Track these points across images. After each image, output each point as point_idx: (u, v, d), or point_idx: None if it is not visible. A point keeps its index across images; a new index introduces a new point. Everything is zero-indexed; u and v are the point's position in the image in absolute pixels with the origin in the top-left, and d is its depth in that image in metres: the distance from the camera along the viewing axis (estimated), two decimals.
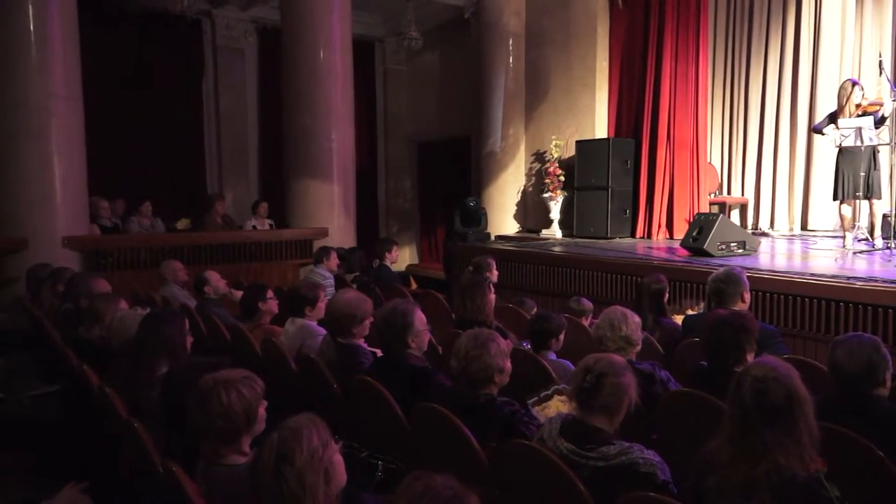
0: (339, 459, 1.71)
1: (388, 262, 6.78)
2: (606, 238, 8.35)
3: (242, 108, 10.61)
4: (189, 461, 2.06)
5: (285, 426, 1.69)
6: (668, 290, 4.39)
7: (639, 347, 3.13)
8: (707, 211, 7.95)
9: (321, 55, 8.27)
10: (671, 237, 8.40)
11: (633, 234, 8.68)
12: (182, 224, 8.82)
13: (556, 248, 7.59)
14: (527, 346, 3.71)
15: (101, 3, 8.70)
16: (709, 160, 8.51)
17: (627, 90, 8.86)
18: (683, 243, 6.60)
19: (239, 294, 5.38)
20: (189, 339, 3.17)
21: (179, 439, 2.33)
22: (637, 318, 3.13)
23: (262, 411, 2.09)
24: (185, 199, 9.72)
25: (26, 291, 5.77)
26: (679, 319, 4.37)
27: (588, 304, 4.90)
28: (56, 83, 6.60)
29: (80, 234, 6.99)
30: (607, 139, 8.60)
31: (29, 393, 3.91)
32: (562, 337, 3.66)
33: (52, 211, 6.69)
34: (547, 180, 9.08)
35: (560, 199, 9.04)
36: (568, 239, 8.73)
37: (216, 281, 5.25)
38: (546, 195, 9.12)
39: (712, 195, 8.47)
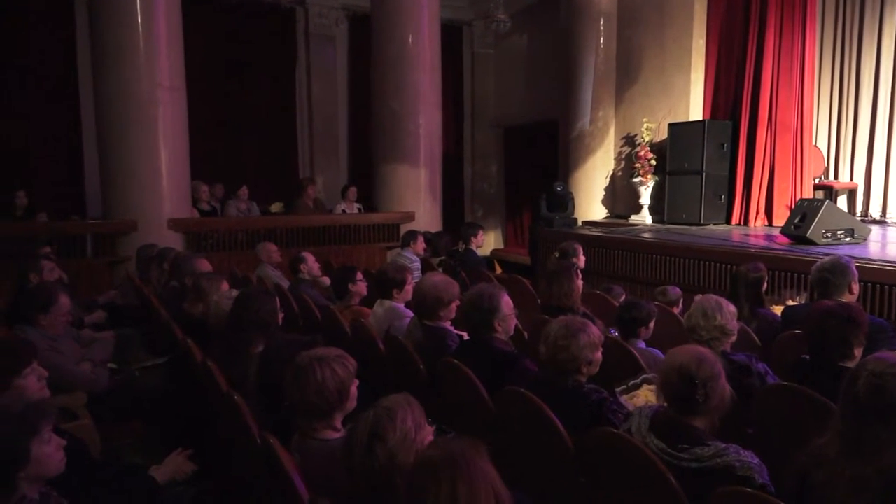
0: (430, 441, 1.74)
1: (473, 247, 6.81)
2: (699, 224, 8.04)
3: (333, 95, 10.85)
4: (283, 434, 2.15)
5: (381, 405, 1.72)
6: (766, 279, 4.20)
7: (734, 338, 3.01)
8: (811, 196, 7.54)
9: (409, 41, 8.33)
10: (770, 224, 8.00)
11: (728, 221, 8.32)
12: (276, 207, 9.16)
13: (646, 235, 7.38)
14: (614, 333, 3.64)
15: None
16: (814, 142, 8.03)
17: (725, 70, 8.45)
18: (784, 230, 6.29)
19: (327, 280, 5.56)
20: (280, 316, 3.31)
21: (275, 413, 2.43)
22: (732, 308, 3.00)
23: (353, 389, 2.16)
24: (278, 183, 10.06)
25: (136, 270, 6.16)
26: (778, 310, 4.17)
27: (677, 293, 4.75)
28: (161, 74, 6.96)
29: (183, 217, 7.38)
30: (702, 121, 8.26)
31: (138, 365, 4.17)
32: (651, 325, 3.58)
33: (158, 195, 7.09)
34: (637, 164, 8.83)
35: (651, 183, 8.77)
36: (658, 225, 8.47)
37: (312, 262, 5.43)
38: (636, 180, 8.87)
39: (817, 180, 8.00)
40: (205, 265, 4.82)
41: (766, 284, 4.22)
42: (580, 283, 4.03)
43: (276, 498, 2.01)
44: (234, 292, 3.61)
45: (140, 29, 6.79)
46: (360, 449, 1.68)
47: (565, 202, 8.75)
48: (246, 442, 2.28)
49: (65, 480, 1.96)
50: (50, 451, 1.86)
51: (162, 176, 7.07)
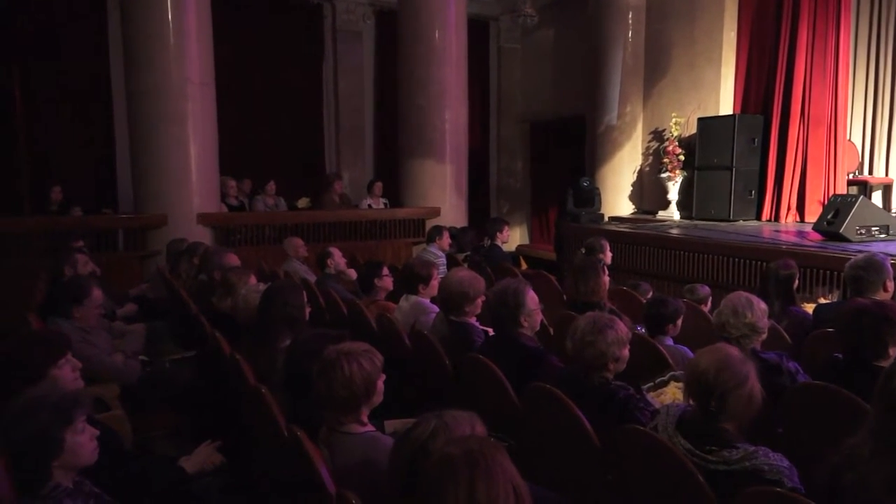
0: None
1: (499, 242, 6.80)
2: (729, 220, 7.93)
3: (360, 90, 10.89)
4: (310, 428, 2.16)
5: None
6: (798, 276, 4.12)
7: (764, 336, 2.97)
8: (844, 192, 7.38)
9: (436, 36, 8.33)
10: (802, 220, 7.86)
11: (758, 217, 8.19)
12: (302, 202, 9.23)
13: (674, 231, 7.30)
14: (641, 330, 3.61)
15: None
16: (848, 137, 7.86)
17: (757, 63, 8.31)
18: (816, 227, 6.18)
19: (353, 273, 5.59)
20: (307, 310, 3.33)
21: (302, 407, 2.45)
22: (763, 305, 2.96)
23: (380, 384, 2.17)
24: (305, 178, 10.13)
25: (166, 263, 6.26)
26: (810, 308, 4.10)
27: (706, 291, 4.69)
28: (191, 69, 7.04)
29: (211, 212, 7.47)
30: (733, 116, 8.13)
31: (168, 357, 4.24)
32: (679, 322, 3.54)
33: (188, 190, 7.19)
34: (665, 160, 8.72)
35: (679, 179, 8.67)
36: (686, 221, 8.37)
37: (339, 257, 5.47)
38: (664, 175, 8.77)
39: (851, 175, 7.83)
40: (233, 259, 4.87)
41: (797, 282, 4.14)
42: (607, 279, 4.00)
43: (303, 490, 2.03)
44: (262, 286, 3.65)
45: (170, 25, 6.88)
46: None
47: (592, 198, 8.68)
48: (273, 435, 2.31)
49: (98, 470, 2.00)
50: (83, 441, 1.90)
51: (191, 171, 7.17)
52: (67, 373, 2.46)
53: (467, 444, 1.46)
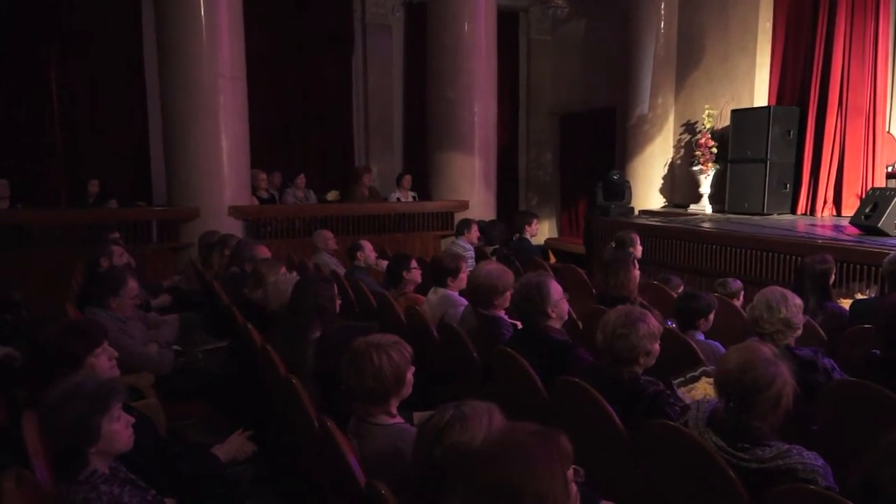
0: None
1: (527, 235, 6.77)
2: (762, 214, 7.78)
3: (389, 84, 10.90)
4: (340, 418, 2.19)
5: (462, 406, 1.70)
6: (834, 271, 4.04)
7: (799, 332, 2.91)
8: (883, 185, 7.20)
9: (466, 28, 8.30)
10: (838, 214, 7.68)
11: (793, 211, 8.03)
12: (332, 195, 9.29)
13: (706, 224, 7.19)
14: (671, 324, 3.57)
15: None
16: (887, 129, 7.65)
17: (793, 53, 8.13)
18: (853, 221, 6.05)
19: (384, 264, 5.62)
20: (338, 302, 3.36)
21: (332, 397, 2.48)
22: (798, 301, 2.90)
23: (409, 376, 2.18)
24: (334, 171, 10.19)
25: (198, 255, 6.35)
26: (846, 304, 4.01)
27: (738, 285, 4.62)
28: (223, 64, 7.12)
29: (242, 204, 7.56)
30: (767, 107, 7.97)
31: (201, 347, 4.31)
32: (711, 317, 3.49)
33: (219, 183, 7.28)
34: (697, 152, 8.59)
35: (711, 172, 8.53)
36: (719, 215, 8.24)
37: (369, 250, 5.50)
38: (696, 168, 8.64)
39: (890, 168, 7.63)
40: (264, 252, 4.93)
41: (833, 277, 4.06)
42: (637, 272, 3.96)
43: (333, 480, 2.05)
44: (292, 275, 3.69)
45: (203, 20, 6.96)
46: (427, 439, 1.68)
47: (622, 191, 8.59)
48: (304, 425, 2.33)
49: (133, 456, 2.05)
50: (119, 428, 1.94)
51: (223, 164, 7.26)
52: (104, 362, 2.51)
53: (521, 431, 1.44)
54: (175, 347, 4.09)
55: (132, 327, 3.78)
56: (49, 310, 4.89)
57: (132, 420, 2.00)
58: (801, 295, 3.11)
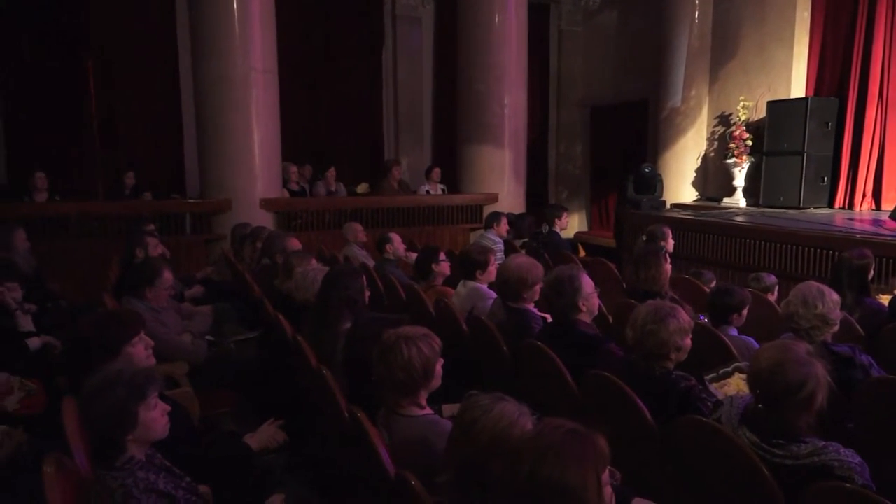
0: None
1: (557, 229, 6.73)
2: (798, 208, 7.63)
3: (418, 76, 10.90)
4: (370, 409, 2.20)
5: (491, 403, 1.70)
6: (872, 266, 3.94)
7: (836, 328, 2.86)
8: None
9: (496, 20, 8.25)
10: (878, 208, 7.51)
11: (830, 205, 7.86)
12: (361, 188, 9.33)
13: (740, 218, 7.07)
14: (703, 319, 3.52)
15: None
16: None
17: (832, 43, 7.93)
18: (894, 215, 5.89)
19: (413, 257, 5.63)
20: (367, 294, 3.38)
21: (362, 388, 2.50)
22: (836, 296, 2.84)
23: (439, 368, 2.18)
24: (364, 164, 10.24)
25: (230, 247, 6.44)
26: (886, 300, 3.91)
27: (772, 280, 4.53)
28: (255, 58, 7.18)
29: (274, 197, 7.64)
30: (805, 99, 7.79)
31: (233, 338, 4.37)
32: (745, 312, 3.44)
33: (251, 176, 7.36)
34: (732, 145, 8.44)
35: (746, 165, 8.38)
36: (753, 208, 8.10)
37: (398, 243, 5.52)
38: (730, 161, 8.49)
39: None
40: (295, 244, 4.98)
41: (872, 272, 3.96)
42: (668, 267, 3.92)
43: (363, 470, 2.07)
44: (322, 267, 3.71)
45: (235, 14, 7.02)
46: (459, 433, 1.68)
47: (653, 184, 8.49)
48: (334, 415, 2.36)
49: (168, 444, 2.09)
50: (156, 416, 1.97)
51: (255, 157, 7.33)
52: (141, 350, 2.56)
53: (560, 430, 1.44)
54: (208, 338, 4.16)
55: (167, 317, 3.85)
56: (87, 300, 5.02)
57: (168, 408, 2.04)
58: (838, 290, 3.04)
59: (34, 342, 3.74)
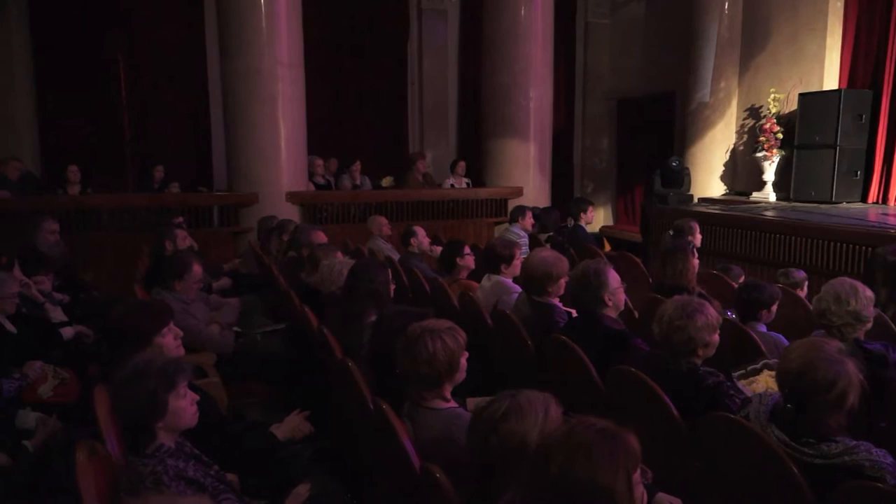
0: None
1: (582, 223, 6.69)
2: (830, 203, 7.48)
3: (443, 70, 10.88)
4: (394, 402, 2.21)
5: (518, 395, 1.69)
6: None
7: (869, 325, 2.80)
8: None
9: (522, 13, 8.20)
10: None
11: (863, 199, 7.69)
12: (386, 181, 9.35)
13: (769, 213, 6.95)
14: (731, 315, 3.48)
15: None
16: None
17: (866, 34, 7.74)
18: None
19: (438, 250, 5.64)
20: (392, 287, 3.39)
21: (387, 381, 2.51)
22: (869, 293, 2.79)
23: (463, 361, 2.19)
24: (389, 157, 10.26)
25: (257, 240, 6.51)
26: None
27: (801, 276, 4.45)
28: (282, 52, 7.23)
29: (300, 190, 7.70)
30: (838, 91, 7.62)
31: (260, 329, 4.42)
32: (774, 308, 3.39)
33: (278, 169, 7.42)
34: (762, 138, 8.29)
35: (776, 158, 8.23)
36: (783, 203, 7.96)
37: (422, 236, 5.53)
38: (759, 154, 8.35)
39: None
40: (320, 237, 5.01)
41: None
42: (696, 262, 3.87)
43: (388, 462, 2.08)
44: (347, 260, 3.73)
45: (262, 8, 7.08)
46: (482, 428, 1.67)
47: (681, 178, 8.38)
48: (359, 407, 2.37)
49: (197, 432, 2.12)
50: (185, 405, 2.01)
51: (281, 150, 7.39)
52: (170, 341, 2.60)
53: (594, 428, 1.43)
54: (235, 329, 4.21)
55: (195, 309, 3.91)
56: (117, 290, 5.11)
57: (197, 397, 2.07)
58: (871, 287, 2.98)
59: (67, 332, 3.83)
